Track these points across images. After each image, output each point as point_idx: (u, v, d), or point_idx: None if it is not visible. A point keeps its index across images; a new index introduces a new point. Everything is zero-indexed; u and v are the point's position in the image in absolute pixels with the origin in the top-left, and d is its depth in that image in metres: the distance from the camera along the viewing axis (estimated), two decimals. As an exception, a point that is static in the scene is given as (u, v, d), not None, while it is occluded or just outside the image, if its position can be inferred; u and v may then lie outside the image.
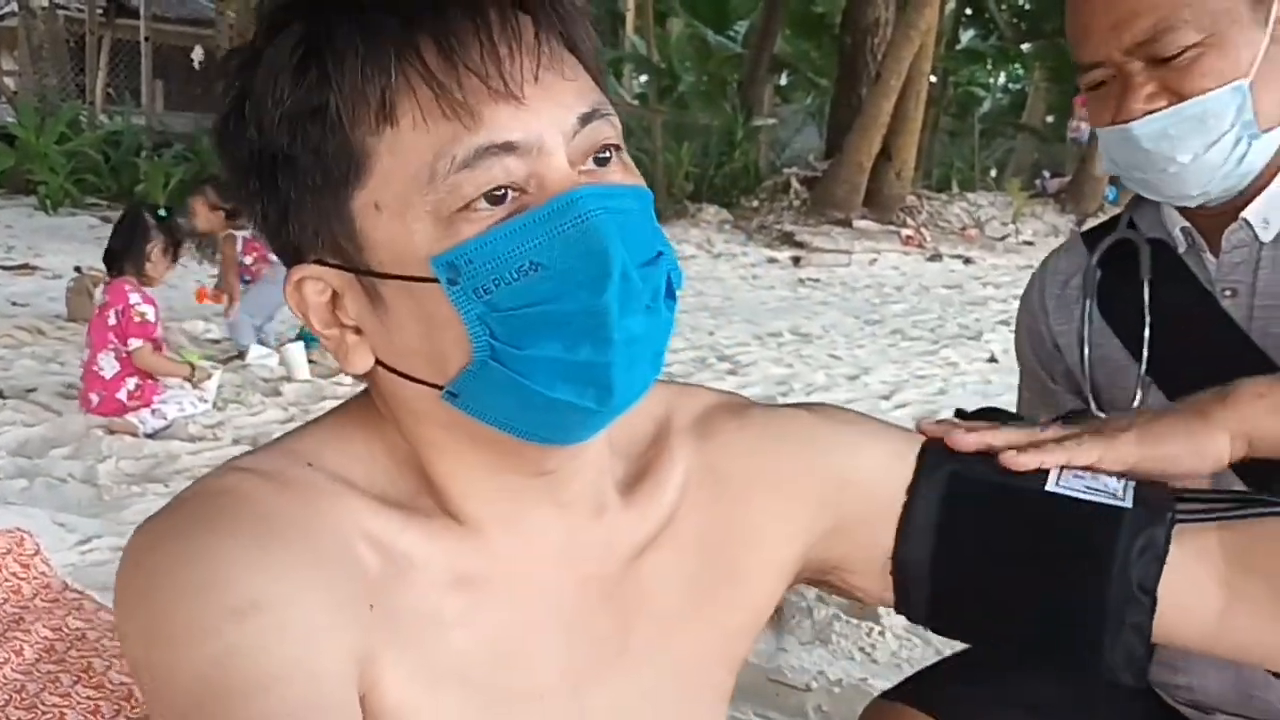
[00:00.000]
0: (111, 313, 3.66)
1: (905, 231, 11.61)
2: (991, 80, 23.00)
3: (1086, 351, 1.22)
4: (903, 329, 6.37)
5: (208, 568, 0.58)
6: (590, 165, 0.61)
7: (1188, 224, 1.17)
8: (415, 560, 0.65)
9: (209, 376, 3.80)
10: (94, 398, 3.65)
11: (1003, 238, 12.06)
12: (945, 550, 0.74)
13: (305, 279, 0.63)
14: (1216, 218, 1.13)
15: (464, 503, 0.67)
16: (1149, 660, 0.74)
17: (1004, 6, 17.77)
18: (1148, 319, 1.17)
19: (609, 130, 0.61)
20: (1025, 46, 18.01)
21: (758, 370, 5.01)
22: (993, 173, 17.88)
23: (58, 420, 3.64)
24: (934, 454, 0.76)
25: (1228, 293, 1.14)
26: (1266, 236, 1.12)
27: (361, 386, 0.69)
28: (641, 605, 0.72)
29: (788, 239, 10.97)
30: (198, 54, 17.46)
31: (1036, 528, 0.73)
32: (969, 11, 18.51)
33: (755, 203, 12.28)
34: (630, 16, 21.59)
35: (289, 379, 4.26)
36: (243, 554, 0.58)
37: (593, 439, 0.66)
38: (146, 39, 15.45)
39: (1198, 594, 0.72)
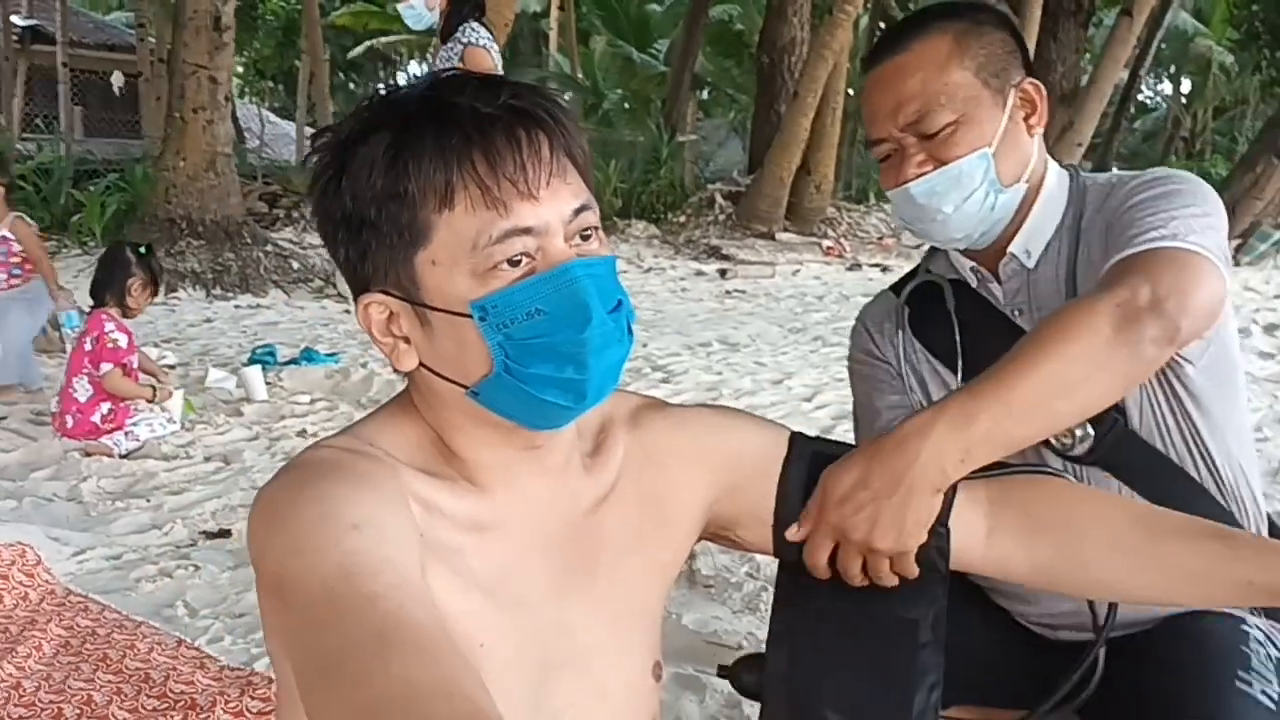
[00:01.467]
0: (88, 340, 3.89)
1: (826, 243, 12.02)
2: (906, 93, 23.51)
3: (904, 367, 1.54)
4: (824, 336, 6.74)
5: (327, 501, 0.84)
6: (578, 240, 0.90)
7: (974, 264, 1.48)
8: (445, 511, 0.93)
9: (170, 395, 4.03)
10: (69, 420, 3.84)
11: (917, 246, 12.54)
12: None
13: (372, 304, 0.91)
14: (994, 255, 1.45)
15: (476, 470, 0.95)
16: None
17: (915, 23, 18.35)
18: (958, 338, 1.47)
19: (592, 219, 0.91)
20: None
21: (689, 378, 5.33)
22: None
23: (34, 445, 3.83)
24: (800, 441, 1.10)
25: (1017, 312, 1.45)
26: (1030, 264, 1.43)
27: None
28: (601, 544, 1.01)
29: (714, 252, 11.29)
30: (117, 79, 17.33)
31: None
32: (884, 25, 19.06)
33: (682, 218, 12.55)
34: (554, 35, 21.87)
35: (249, 400, 4.48)
36: (347, 492, 0.85)
37: (569, 426, 0.96)
38: (64, 65, 15.28)
39: (971, 526, 1.07)
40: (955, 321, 1.50)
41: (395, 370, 0.95)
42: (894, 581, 1.08)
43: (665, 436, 1.08)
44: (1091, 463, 1.39)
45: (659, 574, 1.07)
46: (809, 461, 1.08)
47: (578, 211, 0.90)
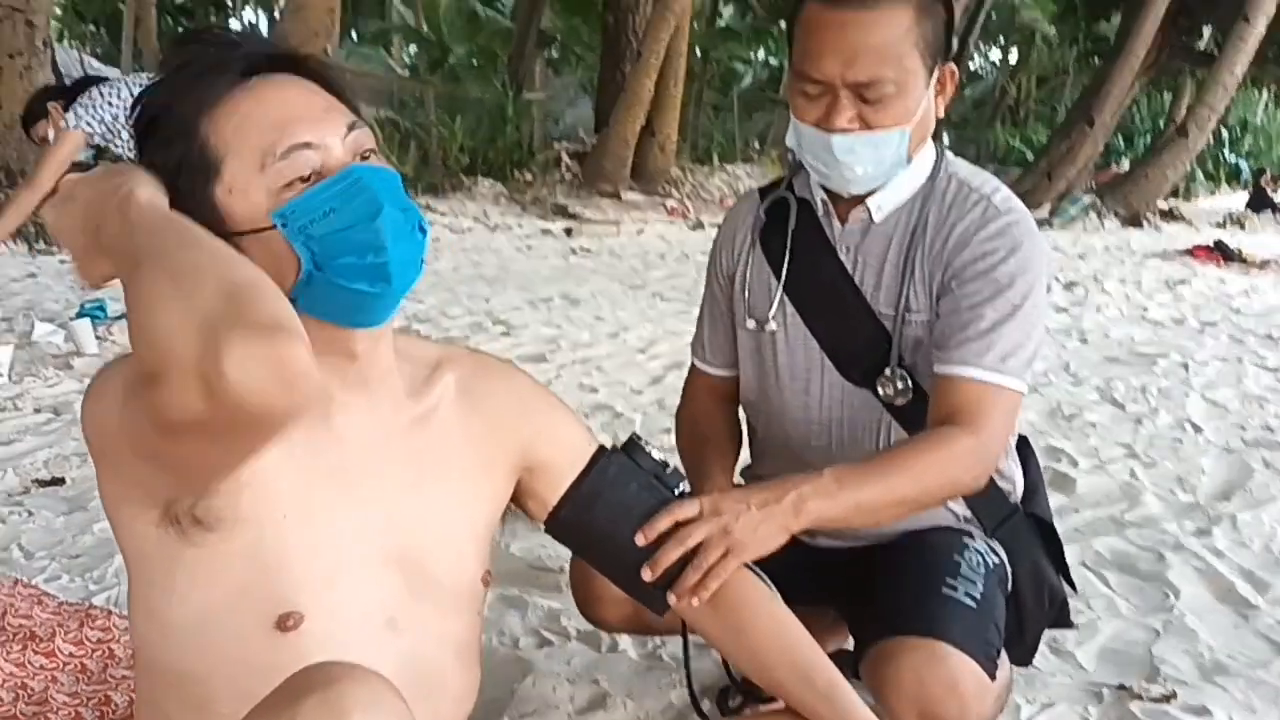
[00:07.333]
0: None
1: (670, 202, 12.29)
2: (752, 55, 23.87)
3: (745, 271, 1.74)
4: (661, 292, 6.98)
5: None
6: (359, 161, 1.04)
7: (826, 196, 1.65)
8: (289, 431, 1.05)
9: (6, 344, 3.97)
10: (-110, 376, 3.75)
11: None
12: (584, 514, 1.28)
13: None
14: (850, 200, 1.62)
15: None
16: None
17: (758, -14, 18.70)
18: (788, 254, 1.68)
19: (367, 140, 1.06)
20: (784, 23, 18.94)
21: (529, 332, 5.48)
22: (755, 145, 18.73)
23: None
24: (605, 456, 1.30)
25: (844, 249, 1.65)
26: (878, 218, 1.62)
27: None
28: (423, 459, 1.16)
29: (561, 211, 11.40)
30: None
31: (634, 518, 1.28)
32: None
33: (529, 176, 12.59)
34: (397, -14, 21.32)
35: (78, 353, 4.42)
36: None
37: (384, 325, 1.09)
38: None
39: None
40: (790, 241, 1.68)
41: None
42: (716, 582, 1.29)
43: (495, 391, 1.25)
44: (903, 411, 1.63)
45: (485, 501, 1.23)
46: (600, 480, 1.28)
47: (350, 127, 1.05)
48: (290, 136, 1.01)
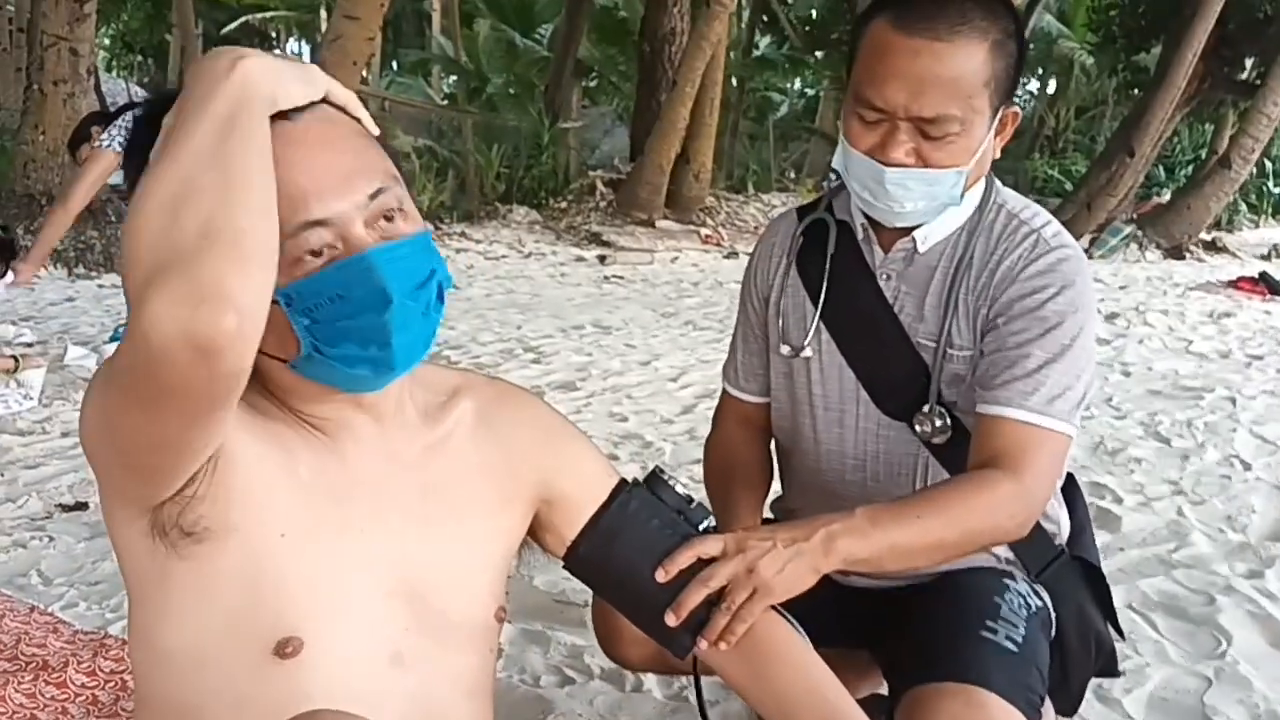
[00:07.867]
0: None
1: (704, 231, 12.23)
2: (788, 85, 23.85)
3: (781, 295, 1.67)
4: (694, 320, 6.92)
5: None
6: (382, 223, 0.97)
7: (866, 221, 1.58)
8: (296, 451, 1.02)
9: (38, 367, 3.98)
10: (-81, 398, 3.77)
11: (793, 236, 12.82)
12: (603, 551, 1.21)
13: None
14: (892, 228, 1.54)
15: (315, 421, 1.06)
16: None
17: (795, 17, 18.68)
18: (826, 279, 1.60)
19: (392, 201, 0.98)
20: (819, 53, 18.92)
21: (560, 359, 5.43)
22: (790, 174, 18.66)
23: (-118, 421, 3.74)
24: (625, 490, 1.24)
25: (885, 276, 1.58)
26: (922, 249, 1.55)
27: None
28: (435, 486, 1.12)
29: (595, 238, 11.38)
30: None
31: (655, 556, 1.21)
32: (765, 18, 19.37)
33: (564, 204, 12.59)
34: (436, 17, 21.55)
35: (109, 377, 4.42)
36: None
37: (387, 388, 1.04)
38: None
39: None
40: (828, 265, 1.61)
41: None
42: (743, 625, 1.21)
43: (513, 420, 1.20)
44: (942, 449, 1.56)
45: (500, 534, 1.18)
46: (620, 515, 1.21)
47: (374, 195, 0.96)
48: (301, 213, 0.93)
